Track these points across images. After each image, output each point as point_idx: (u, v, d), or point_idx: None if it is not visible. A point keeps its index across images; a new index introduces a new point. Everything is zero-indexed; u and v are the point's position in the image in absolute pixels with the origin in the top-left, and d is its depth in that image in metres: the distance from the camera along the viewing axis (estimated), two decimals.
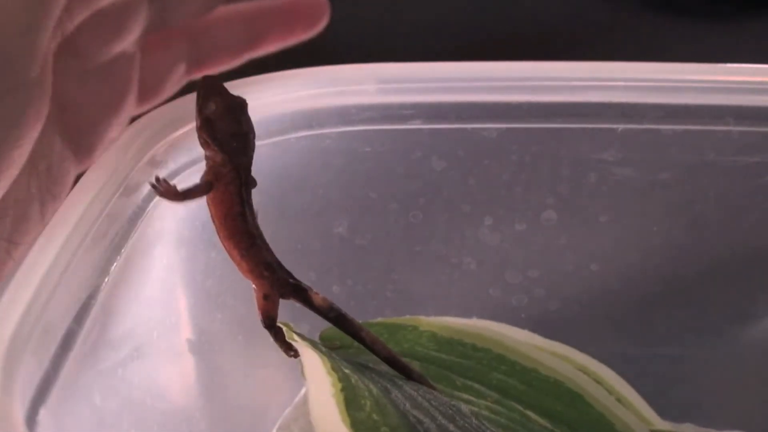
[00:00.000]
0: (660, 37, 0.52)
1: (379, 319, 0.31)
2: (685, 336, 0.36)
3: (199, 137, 0.27)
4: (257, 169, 0.27)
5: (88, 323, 0.24)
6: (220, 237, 0.27)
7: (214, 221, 0.27)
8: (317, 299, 0.27)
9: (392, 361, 0.28)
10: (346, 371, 0.25)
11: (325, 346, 0.28)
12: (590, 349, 0.32)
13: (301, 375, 0.25)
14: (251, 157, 0.27)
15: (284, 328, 0.27)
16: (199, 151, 0.28)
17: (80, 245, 0.24)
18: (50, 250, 0.24)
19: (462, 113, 0.31)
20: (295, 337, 0.26)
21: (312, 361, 0.25)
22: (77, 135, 0.29)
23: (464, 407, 0.28)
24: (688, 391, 0.35)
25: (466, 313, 0.33)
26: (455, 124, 0.32)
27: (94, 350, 0.25)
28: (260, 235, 0.27)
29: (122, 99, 0.30)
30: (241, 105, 0.27)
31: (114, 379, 0.27)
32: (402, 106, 0.31)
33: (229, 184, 0.26)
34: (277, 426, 0.32)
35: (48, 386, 0.22)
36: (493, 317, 0.33)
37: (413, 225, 0.34)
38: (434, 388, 0.28)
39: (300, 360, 0.28)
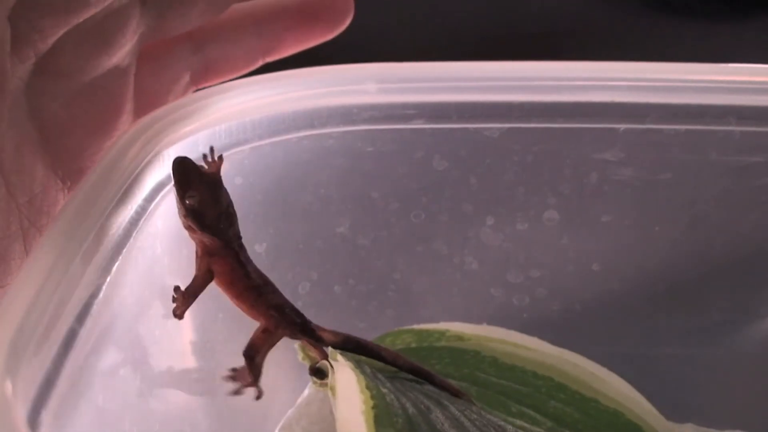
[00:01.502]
0: (662, 36, 0.52)
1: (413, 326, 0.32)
2: (686, 336, 0.36)
3: (185, 225, 0.27)
4: (260, 169, 0.27)
5: (90, 323, 0.24)
6: (228, 298, 0.28)
7: (220, 288, 0.27)
8: (328, 336, 0.28)
9: (415, 371, 0.29)
10: (384, 390, 0.26)
11: (378, 368, 0.29)
12: (591, 349, 0.32)
13: (330, 394, 0.26)
14: (237, 227, 0.27)
15: (329, 350, 0.28)
16: (203, 149, 0.28)
17: (82, 245, 0.24)
18: (52, 250, 0.24)
19: (464, 113, 0.31)
20: (338, 356, 0.27)
21: (346, 378, 0.26)
22: (64, 160, 0.27)
23: (510, 428, 0.28)
24: (689, 391, 0.35)
25: (468, 314, 0.33)
26: (457, 123, 0.32)
27: (96, 350, 0.25)
28: (266, 284, 0.28)
29: (114, 117, 0.27)
30: (215, 182, 0.27)
31: (116, 379, 0.27)
32: (404, 106, 0.31)
33: (226, 257, 0.27)
34: (279, 426, 0.32)
35: (50, 386, 0.22)
36: (495, 317, 0.33)
37: (415, 225, 0.34)
38: (460, 394, 0.29)
39: (306, 361, 0.28)
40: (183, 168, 0.26)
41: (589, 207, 0.34)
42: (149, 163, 0.28)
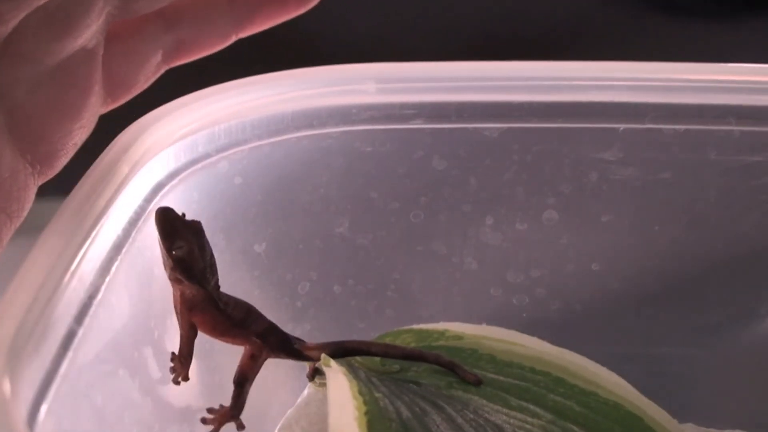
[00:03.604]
0: (662, 36, 0.52)
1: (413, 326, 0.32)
2: (686, 335, 0.36)
3: (171, 277, 0.26)
4: (260, 169, 0.27)
5: (89, 323, 0.24)
6: (213, 338, 0.28)
7: (205, 334, 0.28)
8: (314, 354, 0.29)
9: (407, 356, 0.29)
10: (377, 395, 0.26)
11: (374, 370, 0.29)
12: (591, 349, 0.32)
13: (324, 394, 0.26)
14: (217, 275, 0.27)
15: (322, 355, 0.28)
16: (200, 150, 0.28)
17: (81, 245, 0.24)
18: (51, 250, 0.24)
19: (463, 113, 0.31)
20: (331, 363, 0.27)
21: (338, 385, 0.26)
22: (32, 144, 0.26)
23: (508, 428, 0.28)
24: (689, 391, 0.35)
25: (468, 313, 0.33)
26: (456, 123, 0.32)
27: (95, 350, 0.25)
28: (248, 313, 0.28)
29: (82, 100, 0.26)
30: (199, 230, 0.26)
31: (115, 379, 0.27)
32: (403, 106, 0.31)
33: (205, 310, 0.27)
34: (279, 426, 0.32)
35: (49, 386, 0.22)
36: (495, 317, 0.33)
37: (414, 225, 0.34)
38: (456, 366, 0.29)
39: (305, 363, 0.29)
40: (166, 218, 0.26)
41: (589, 207, 0.34)
42: (149, 163, 0.28)
